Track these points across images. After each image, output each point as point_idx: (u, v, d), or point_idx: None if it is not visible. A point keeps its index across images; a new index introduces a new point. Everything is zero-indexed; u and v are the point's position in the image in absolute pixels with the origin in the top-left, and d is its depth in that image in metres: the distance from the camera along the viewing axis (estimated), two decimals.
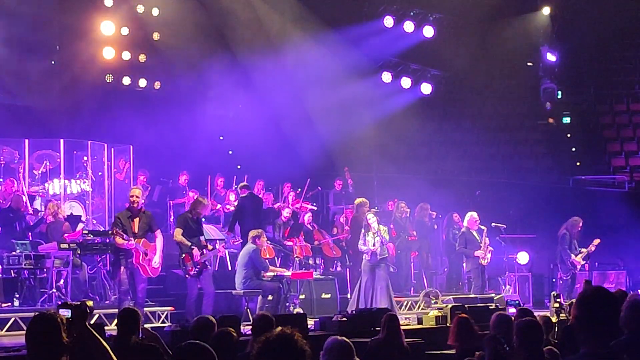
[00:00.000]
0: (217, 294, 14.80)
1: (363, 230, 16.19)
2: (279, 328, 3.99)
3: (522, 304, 14.51)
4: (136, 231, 13.67)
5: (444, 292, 18.85)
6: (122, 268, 13.53)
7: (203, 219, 15.51)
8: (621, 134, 28.13)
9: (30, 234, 16.07)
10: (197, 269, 14.13)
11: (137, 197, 13.87)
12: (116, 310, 13.04)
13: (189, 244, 14.16)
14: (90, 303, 5.77)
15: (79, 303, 5.70)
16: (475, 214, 18.08)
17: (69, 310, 5.56)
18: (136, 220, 13.72)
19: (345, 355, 5.89)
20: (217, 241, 16.75)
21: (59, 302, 6.06)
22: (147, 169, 20.12)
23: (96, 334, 5.70)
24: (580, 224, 18.75)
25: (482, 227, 18.08)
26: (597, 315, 4.58)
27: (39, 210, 17.05)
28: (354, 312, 13.65)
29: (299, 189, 21.44)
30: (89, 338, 5.64)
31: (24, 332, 5.64)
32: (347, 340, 5.99)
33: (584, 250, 18.64)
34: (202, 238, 14.58)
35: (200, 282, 14.28)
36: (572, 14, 25.89)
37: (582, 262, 18.67)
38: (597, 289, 4.74)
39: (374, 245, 15.85)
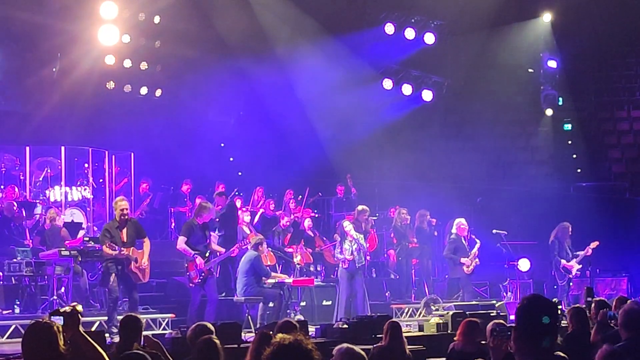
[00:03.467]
0: (219, 300, 14.79)
1: (339, 239, 16.23)
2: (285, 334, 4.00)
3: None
4: (125, 240, 13.68)
5: (445, 299, 18.82)
6: (112, 276, 13.52)
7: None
8: (622, 140, 28.10)
9: (31, 241, 16.06)
10: (201, 277, 14.12)
11: (127, 209, 13.96)
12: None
13: (192, 252, 14.15)
14: (79, 307, 5.73)
15: (70, 309, 5.66)
16: (463, 220, 18.11)
17: (61, 317, 5.53)
18: (124, 229, 13.75)
19: None
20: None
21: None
22: (148, 176, 20.12)
23: (90, 339, 5.68)
24: (570, 229, 18.73)
25: (477, 240, 18.17)
26: (536, 324, 4.52)
27: (39, 215, 17.05)
28: (354, 319, 13.64)
29: (300, 196, 21.44)
30: (84, 343, 5.62)
31: None
32: (359, 350, 5.93)
33: (580, 252, 18.65)
34: (208, 244, 14.60)
35: (204, 289, 14.28)
36: (572, 21, 25.87)
37: (578, 267, 18.64)
38: (534, 298, 4.66)
39: (351, 254, 15.87)
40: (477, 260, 17.98)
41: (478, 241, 18.25)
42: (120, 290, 13.65)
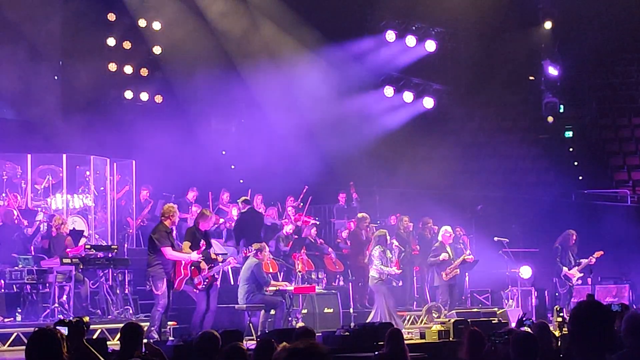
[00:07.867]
0: (220, 308, 14.77)
1: (382, 248, 16.08)
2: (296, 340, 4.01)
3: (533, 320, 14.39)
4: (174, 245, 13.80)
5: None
6: (164, 281, 13.48)
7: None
8: (623, 148, 28.12)
9: (32, 248, 16.05)
10: (205, 283, 14.09)
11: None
12: (119, 325, 13.01)
13: (197, 257, 14.15)
14: (86, 319, 5.74)
15: (75, 320, 5.67)
16: (449, 228, 18.04)
17: (66, 327, 5.54)
18: (170, 236, 13.79)
19: None
20: (220, 255, 16.71)
21: (61, 317, 6.04)
22: (149, 184, 20.12)
23: (93, 350, 5.68)
24: (574, 237, 18.74)
25: (460, 245, 18.12)
26: (590, 329, 4.55)
27: (41, 222, 17.04)
28: (356, 326, 13.62)
29: (301, 204, 21.40)
30: (86, 354, 5.63)
31: None
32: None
33: (583, 260, 18.64)
34: (211, 251, 14.59)
35: (209, 296, 14.25)
36: (573, 28, 25.93)
37: (579, 275, 18.62)
38: (590, 303, 4.70)
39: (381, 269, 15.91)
40: (457, 271, 17.79)
41: (467, 251, 18.21)
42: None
